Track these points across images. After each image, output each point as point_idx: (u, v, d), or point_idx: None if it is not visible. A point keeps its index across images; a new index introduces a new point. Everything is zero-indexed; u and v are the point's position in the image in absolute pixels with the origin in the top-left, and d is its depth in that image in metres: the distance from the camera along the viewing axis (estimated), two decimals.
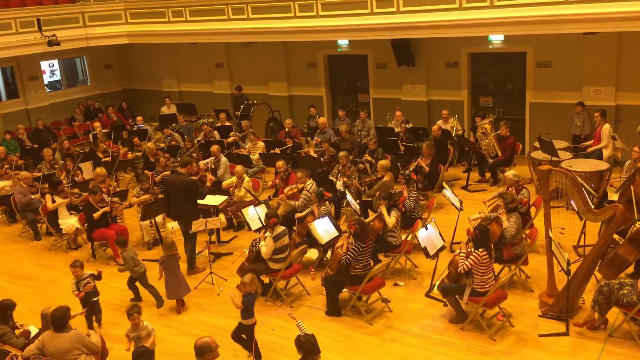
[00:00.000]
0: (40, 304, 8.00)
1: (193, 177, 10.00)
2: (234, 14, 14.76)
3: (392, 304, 7.78)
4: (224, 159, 11.80)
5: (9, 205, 11.41)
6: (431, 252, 7.66)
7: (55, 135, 16.01)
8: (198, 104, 17.21)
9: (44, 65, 18.26)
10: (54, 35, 15.39)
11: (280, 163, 10.72)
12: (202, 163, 11.64)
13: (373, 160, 11.47)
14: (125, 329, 7.24)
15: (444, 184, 9.68)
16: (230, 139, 13.79)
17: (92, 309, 7.51)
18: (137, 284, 8.26)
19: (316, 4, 13.46)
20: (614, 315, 6.94)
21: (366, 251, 7.42)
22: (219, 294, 8.43)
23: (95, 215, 9.51)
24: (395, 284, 8.33)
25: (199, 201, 9.33)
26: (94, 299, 7.56)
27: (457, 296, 7.20)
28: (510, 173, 8.98)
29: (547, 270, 7.40)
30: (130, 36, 16.88)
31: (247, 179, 10.66)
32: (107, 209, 9.65)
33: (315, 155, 12.08)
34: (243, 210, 9.22)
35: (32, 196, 10.86)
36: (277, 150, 12.42)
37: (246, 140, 13.59)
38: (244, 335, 6.69)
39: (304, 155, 12.29)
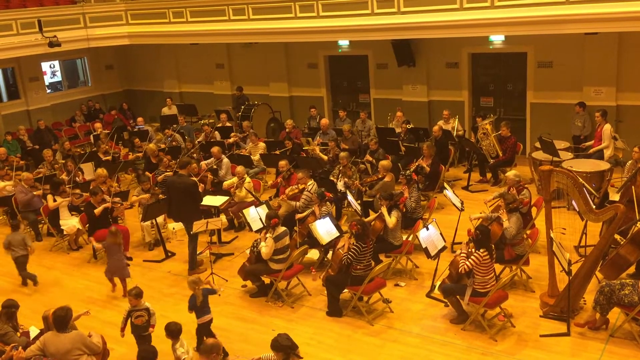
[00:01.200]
0: (41, 304, 8.01)
1: (194, 179, 10.02)
2: (235, 15, 14.78)
3: (393, 304, 7.77)
4: (225, 159, 11.81)
5: (10, 206, 11.42)
6: (432, 253, 7.66)
7: (57, 136, 16.02)
8: (199, 105, 17.22)
9: (45, 66, 18.27)
10: (55, 36, 15.41)
11: (283, 163, 10.74)
12: (203, 164, 11.64)
13: (374, 160, 11.48)
14: (126, 329, 7.25)
15: (445, 184, 9.68)
16: (231, 140, 13.80)
17: (142, 342, 6.71)
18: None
19: (317, 5, 13.47)
20: (615, 315, 6.93)
21: (367, 251, 7.41)
22: (219, 295, 8.42)
23: (97, 211, 9.52)
24: (396, 285, 8.32)
25: None
26: (145, 334, 6.72)
27: (458, 296, 7.19)
28: (511, 173, 8.98)
29: (548, 271, 7.39)
30: (131, 37, 16.90)
31: (248, 179, 10.66)
32: (108, 205, 9.67)
33: (320, 154, 12.09)
34: (244, 210, 9.24)
35: (35, 192, 10.88)
36: (277, 152, 12.43)
37: (247, 141, 13.60)
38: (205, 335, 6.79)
39: (305, 155, 12.30)
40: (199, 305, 6.70)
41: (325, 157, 11.98)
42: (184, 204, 8.95)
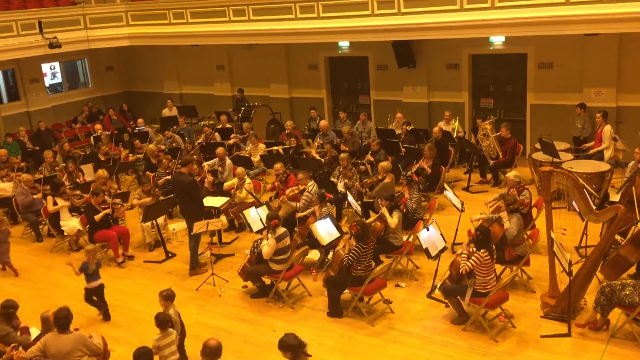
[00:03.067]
0: (41, 305, 8.00)
1: (196, 178, 10.05)
2: (235, 16, 14.78)
3: (394, 305, 7.77)
4: (228, 161, 11.83)
5: (11, 207, 11.43)
6: (433, 253, 7.66)
7: (57, 138, 16.02)
8: (199, 106, 17.23)
9: (45, 67, 18.26)
10: (55, 37, 15.40)
11: (278, 165, 10.75)
12: (206, 164, 11.65)
13: (375, 161, 11.48)
14: (127, 330, 7.28)
15: (445, 185, 9.68)
16: (231, 141, 13.81)
17: None
18: None
19: (317, 6, 13.47)
20: (616, 316, 6.94)
21: (368, 252, 7.41)
22: (220, 295, 8.44)
23: (97, 217, 9.51)
24: (397, 285, 8.32)
25: None
26: None
27: (458, 297, 7.19)
28: (511, 174, 8.98)
29: (548, 271, 7.39)
30: (131, 38, 16.90)
31: (248, 180, 10.67)
32: (108, 210, 9.67)
33: (317, 156, 12.09)
34: (244, 211, 9.25)
35: (34, 196, 10.88)
36: (280, 149, 12.42)
37: (247, 142, 13.61)
38: (95, 297, 7.86)
39: (304, 157, 12.30)
40: (90, 273, 7.60)
41: (323, 160, 11.96)
42: (183, 201, 9.27)
